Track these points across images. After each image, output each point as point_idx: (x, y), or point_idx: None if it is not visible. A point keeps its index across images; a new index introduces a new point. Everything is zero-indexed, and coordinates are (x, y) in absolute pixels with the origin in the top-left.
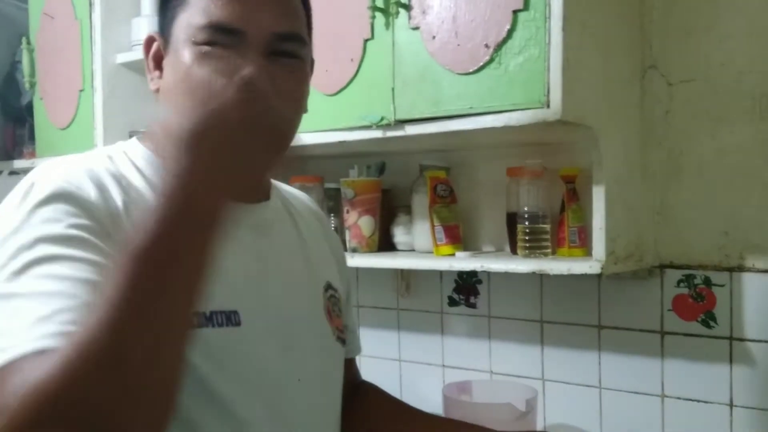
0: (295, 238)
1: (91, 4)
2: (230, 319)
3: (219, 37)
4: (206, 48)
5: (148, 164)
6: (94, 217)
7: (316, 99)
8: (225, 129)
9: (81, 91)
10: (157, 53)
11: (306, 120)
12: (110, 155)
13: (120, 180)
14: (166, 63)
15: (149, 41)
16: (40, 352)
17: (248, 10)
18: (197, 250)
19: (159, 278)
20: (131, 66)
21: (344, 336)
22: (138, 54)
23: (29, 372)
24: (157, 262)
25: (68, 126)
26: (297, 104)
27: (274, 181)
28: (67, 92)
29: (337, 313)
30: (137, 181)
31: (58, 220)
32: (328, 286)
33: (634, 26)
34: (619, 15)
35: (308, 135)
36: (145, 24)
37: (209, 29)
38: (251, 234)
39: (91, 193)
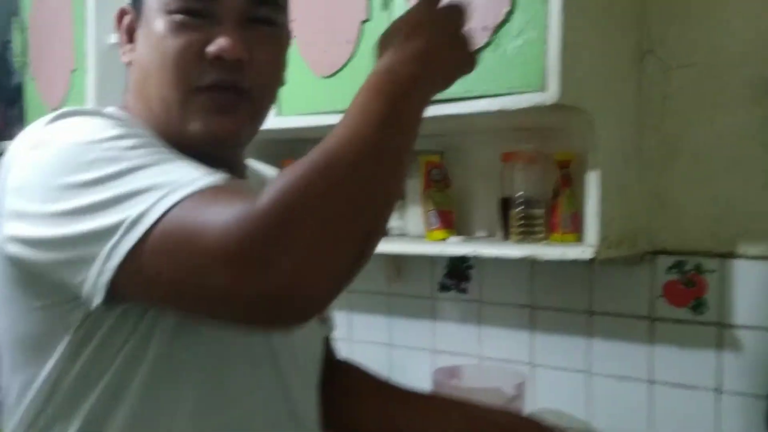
0: None
1: None
2: None
3: (192, 4)
4: (180, 17)
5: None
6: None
7: (311, 81)
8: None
9: (73, 71)
10: (129, 25)
11: (300, 102)
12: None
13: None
14: (139, 35)
15: (121, 14)
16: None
17: None
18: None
19: (403, 119)
20: None
21: (323, 315)
22: None
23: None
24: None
25: (60, 106)
26: (273, 73)
27: (248, 160)
28: (59, 72)
29: None
30: None
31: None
32: None
33: (633, 10)
34: None
35: (303, 118)
36: None
37: None
38: None
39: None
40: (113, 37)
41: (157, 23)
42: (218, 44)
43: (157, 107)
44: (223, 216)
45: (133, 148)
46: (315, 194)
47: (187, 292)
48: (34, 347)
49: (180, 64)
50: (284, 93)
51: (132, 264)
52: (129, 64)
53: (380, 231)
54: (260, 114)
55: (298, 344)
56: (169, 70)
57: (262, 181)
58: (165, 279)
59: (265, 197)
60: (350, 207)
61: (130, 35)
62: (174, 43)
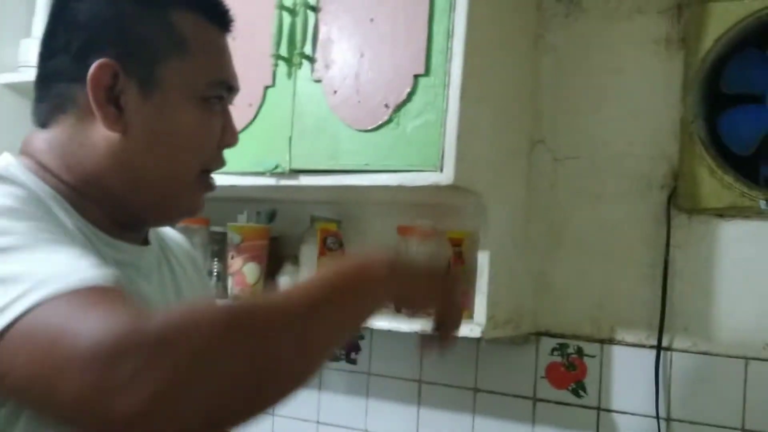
0: (171, 285)
1: None
2: None
3: (223, 93)
4: (209, 105)
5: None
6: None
7: None
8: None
9: None
10: (113, 88)
11: None
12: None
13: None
14: (135, 104)
15: (105, 69)
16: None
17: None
18: (369, 308)
19: (341, 309)
20: (16, 87)
21: None
22: (24, 76)
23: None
24: (343, 298)
25: None
26: None
27: None
28: None
29: None
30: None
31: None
32: None
33: (526, 101)
34: (513, 90)
35: None
36: (35, 46)
37: (220, 86)
38: (140, 278)
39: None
40: (3, 77)
41: (183, 104)
42: (234, 135)
43: (148, 182)
44: (98, 324)
45: (9, 226)
46: (212, 348)
47: (38, 394)
48: None
49: (205, 148)
50: None
51: None
52: (113, 130)
53: (266, 409)
54: None
55: None
56: (191, 152)
57: (162, 243)
58: (17, 375)
59: (158, 322)
60: (245, 378)
61: (114, 101)
62: (204, 130)
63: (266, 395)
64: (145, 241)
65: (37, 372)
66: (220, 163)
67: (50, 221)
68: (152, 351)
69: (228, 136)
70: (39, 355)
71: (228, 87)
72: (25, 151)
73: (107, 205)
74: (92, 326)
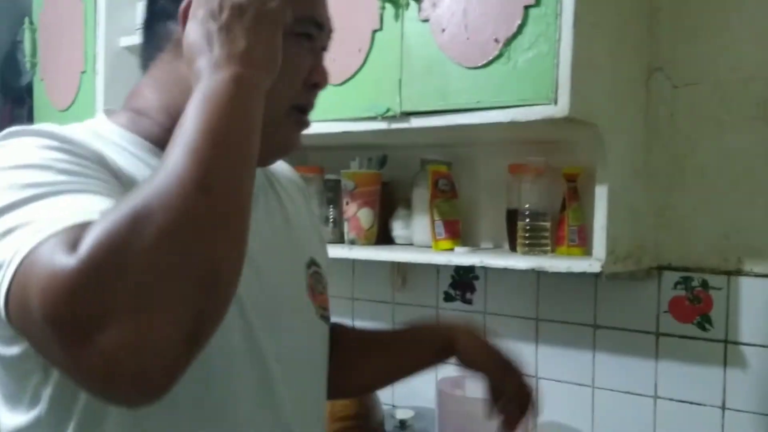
0: (278, 211)
1: None
2: None
3: (312, 30)
4: (299, 39)
5: (126, 142)
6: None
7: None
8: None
9: (83, 73)
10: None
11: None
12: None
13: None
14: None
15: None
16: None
17: (325, 6)
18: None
19: (234, 118)
20: (134, 50)
21: (327, 314)
22: None
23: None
24: (232, 103)
25: (68, 108)
26: None
27: None
28: (69, 74)
29: (320, 290)
30: (121, 161)
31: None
32: (312, 262)
33: (642, 27)
34: (628, 15)
35: (314, 124)
36: None
37: (312, 23)
38: None
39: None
40: (123, 40)
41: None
42: (323, 75)
43: None
44: (46, 270)
45: (38, 177)
46: (133, 245)
47: (42, 352)
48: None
49: (293, 83)
50: None
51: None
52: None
53: (226, 275)
54: None
55: (294, 359)
56: (278, 87)
57: (266, 171)
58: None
59: (81, 248)
60: (178, 255)
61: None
62: (291, 65)
63: (227, 236)
64: None
65: (31, 340)
66: (309, 101)
67: (95, 176)
68: (83, 284)
69: (316, 74)
70: (25, 315)
71: (317, 24)
72: (126, 104)
73: None
74: (42, 273)
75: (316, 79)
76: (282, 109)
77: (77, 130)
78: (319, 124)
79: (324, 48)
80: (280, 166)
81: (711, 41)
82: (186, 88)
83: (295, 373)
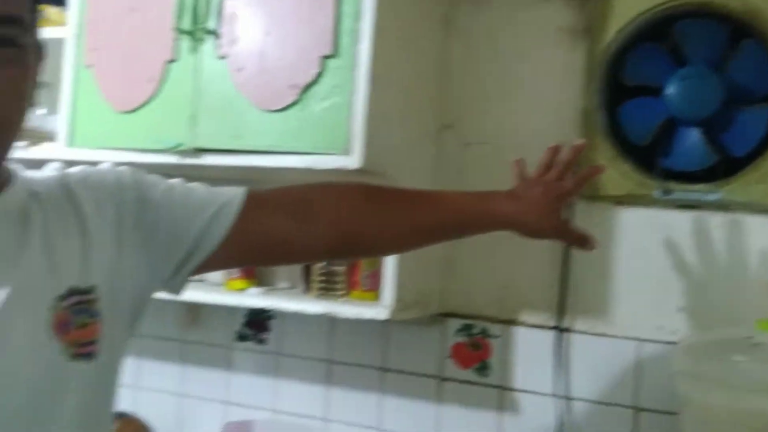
0: (17, 243)
1: None
2: None
3: None
4: None
5: None
6: None
7: (107, 114)
8: None
9: None
10: None
11: (94, 136)
12: None
13: None
14: None
15: None
16: None
17: None
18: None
19: None
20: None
21: (90, 349)
22: None
23: None
24: None
25: None
26: (16, 100)
27: (24, 174)
28: None
29: (83, 323)
30: None
31: None
32: (71, 293)
33: (435, 86)
34: (422, 73)
35: (96, 151)
36: None
37: None
38: None
39: None
40: None
41: None
42: None
43: None
44: None
45: None
46: None
47: None
48: None
49: None
50: (77, 123)
51: None
52: None
53: None
54: (2, 146)
55: None
56: None
57: (30, 195)
58: None
59: None
60: None
61: None
62: None
63: None
64: None
65: None
66: None
67: None
68: None
69: None
70: None
71: None
72: None
73: None
74: None
75: None
76: None
77: None
78: (104, 152)
79: None
80: (48, 181)
81: (497, 103)
82: None
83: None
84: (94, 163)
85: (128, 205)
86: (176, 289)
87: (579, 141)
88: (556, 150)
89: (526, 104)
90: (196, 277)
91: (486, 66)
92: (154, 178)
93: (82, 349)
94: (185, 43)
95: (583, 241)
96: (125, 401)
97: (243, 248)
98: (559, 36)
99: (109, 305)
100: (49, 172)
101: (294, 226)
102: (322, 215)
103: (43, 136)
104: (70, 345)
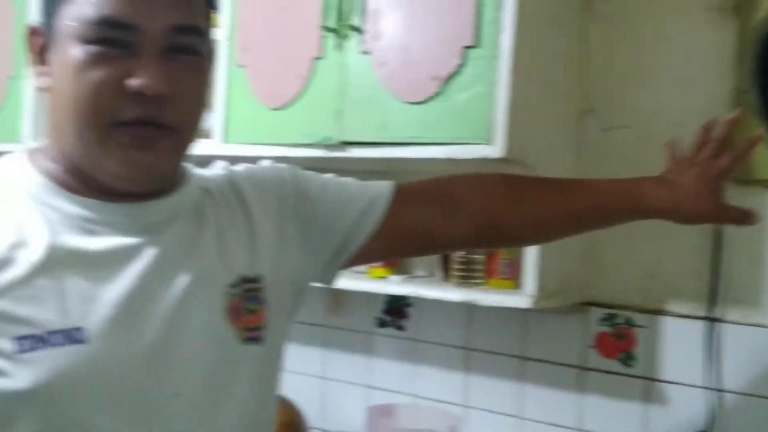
0: (195, 235)
1: None
2: (71, 336)
3: (111, 33)
4: (97, 48)
5: (23, 183)
6: None
7: (259, 111)
8: None
9: (11, 77)
10: (42, 47)
11: (248, 131)
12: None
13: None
14: (54, 60)
15: (31, 33)
16: None
17: (141, 2)
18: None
19: None
20: None
21: (258, 334)
22: None
23: None
24: None
25: None
26: (197, 105)
27: (195, 171)
28: None
29: (252, 309)
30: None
31: None
32: (241, 281)
33: (575, 72)
34: (562, 60)
35: (249, 147)
36: None
37: (100, 25)
38: (134, 237)
39: None
40: None
41: (72, 52)
42: (139, 79)
43: (72, 140)
44: None
45: None
46: None
47: None
48: None
49: (98, 98)
50: (231, 120)
51: None
52: (44, 90)
53: None
54: (183, 147)
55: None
56: (86, 104)
57: (203, 191)
58: None
59: None
60: None
61: (43, 57)
62: (92, 76)
63: None
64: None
65: None
66: (128, 112)
67: None
68: None
69: (134, 79)
70: None
71: (114, 24)
72: None
73: (82, 173)
74: None
75: (133, 85)
76: (98, 126)
77: None
78: (256, 147)
79: (154, 49)
80: (216, 179)
81: (639, 87)
82: (50, 122)
83: (203, 407)
84: (248, 158)
85: (288, 200)
86: (329, 280)
87: (733, 114)
88: (709, 126)
89: (670, 86)
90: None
91: (627, 48)
92: (310, 173)
93: (252, 333)
94: (330, 40)
95: (743, 218)
96: None
97: (391, 240)
98: (705, 15)
99: (273, 293)
100: (217, 170)
101: (439, 218)
102: (466, 206)
103: (199, 134)
104: (242, 329)
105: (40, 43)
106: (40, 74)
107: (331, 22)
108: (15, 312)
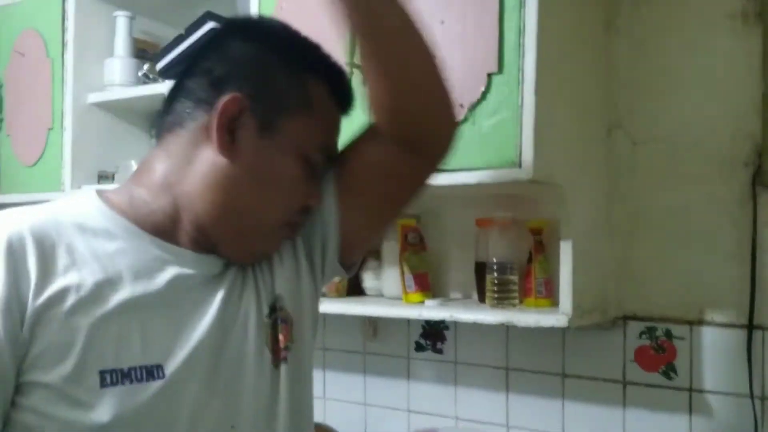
0: (242, 276)
1: (64, 44)
2: (152, 373)
3: (321, 161)
4: (311, 171)
5: (103, 223)
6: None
7: None
8: None
9: (50, 129)
10: (235, 121)
11: None
12: (65, 212)
13: (68, 242)
14: (247, 139)
15: (236, 101)
16: None
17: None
18: None
19: None
20: (103, 106)
21: (283, 354)
22: (110, 95)
23: None
24: None
25: (35, 164)
26: None
27: None
28: (36, 130)
29: (283, 328)
30: (81, 245)
31: None
32: (271, 309)
33: (601, 87)
34: (586, 77)
35: None
36: (118, 65)
37: (321, 152)
38: (206, 282)
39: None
40: (91, 97)
41: (289, 161)
42: (318, 200)
43: (237, 213)
44: None
45: None
46: None
47: None
48: None
49: (292, 203)
50: None
51: None
52: (222, 154)
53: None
54: None
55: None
56: (280, 202)
57: None
58: None
59: None
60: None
61: (232, 128)
62: (300, 184)
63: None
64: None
65: None
66: (300, 220)
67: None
68: None
69: (313, 199)
70: None
71: (329, 157)
72: (132, 178)
73: (189, 227)
74: None
75: (312, 203)
76: (279, 220)
77: (28, 225)
78: None
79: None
80: None
81: (666, 99)
82: (196, 168)
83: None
84: None
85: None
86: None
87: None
88: None
89: (697, 96)
90: (375, 291)
91: (652, 61)
92: None
93: (281, 354)
94: (357, 76)
95: None
96: (315, 412)
97: (359, 200)
98: (729, 23)
99: (293, 309)
100: None
101: (374, 149)
102: (377, 127)
103: None
104: (274, 353)
105: (236, 115)
106: (225, 145)
107: (347, 57)
108: (101, 347)
